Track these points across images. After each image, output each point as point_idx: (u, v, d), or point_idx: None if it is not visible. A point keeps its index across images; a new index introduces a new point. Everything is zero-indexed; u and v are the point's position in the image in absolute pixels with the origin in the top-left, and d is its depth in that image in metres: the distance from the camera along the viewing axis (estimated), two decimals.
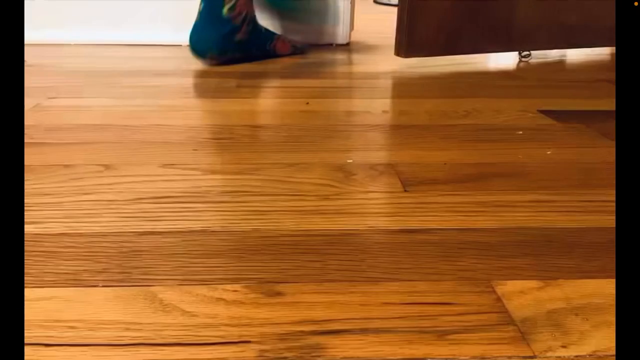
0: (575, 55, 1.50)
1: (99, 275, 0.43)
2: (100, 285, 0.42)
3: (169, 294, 0.41)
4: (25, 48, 1.31)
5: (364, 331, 0.37)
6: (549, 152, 0.72)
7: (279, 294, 0.41)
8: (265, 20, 1.49)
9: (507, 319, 0.38)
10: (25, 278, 0.42)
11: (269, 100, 0.97)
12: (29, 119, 0.83)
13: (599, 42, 1.41)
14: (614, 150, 0.74)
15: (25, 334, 0.36)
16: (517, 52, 1.39)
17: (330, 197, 0.58)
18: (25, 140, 0.73)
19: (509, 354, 0.35)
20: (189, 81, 1.11)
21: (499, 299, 0.41)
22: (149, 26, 1.54)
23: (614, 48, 1.52)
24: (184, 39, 1.58)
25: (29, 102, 0.92)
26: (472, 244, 0.49)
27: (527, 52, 1.39)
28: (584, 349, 0.36)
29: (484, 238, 0.50)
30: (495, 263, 0.46)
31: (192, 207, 0.55)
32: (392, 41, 1.25)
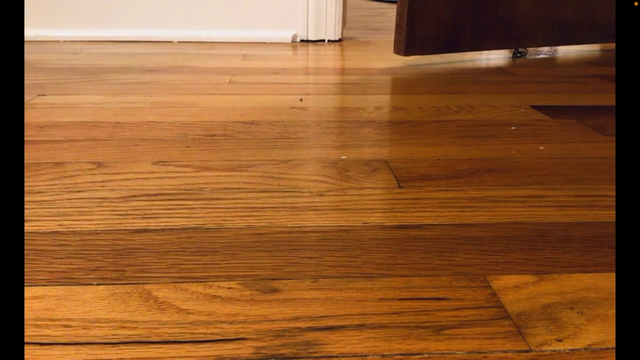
0: (567, 51, 1.50)
1: (92, 273, 0.43)
2: (95, 283, 0.41)
3: (163, 291, 0.41)
4: None
5: (360, 327, 0.37)
6: (541, 148, 0.73)
7: (274, 290, 0.41)
8: None
9: (503, 314, 0.39)
10: None
11: (262, 96, 0.97)
12: None
13: (597, 39, 1.42)
14: (606, 144, 0.74)
15: None
16: (510, 49, 1.39)
17: (324, 193, 0.58)
18: None
19: (505, 348, 0.35)
20: (179, 77, 1.10)
21: (494, 294, 0.41)
22: (138, 23, 1.53)
23: (606, 44, 1.53)
24: (173, 35, 1.58)
25: None
26: (467, 239, 0.49)
27: (523, 49, 1.39)
28: (579, 343, 0.36)
29: (478, 233, 0.50)
30: (490, 258, 0.46)
31: (186, 204, 0.54)
32: (385, 37, 1.25)
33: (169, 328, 0.37)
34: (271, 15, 1.55)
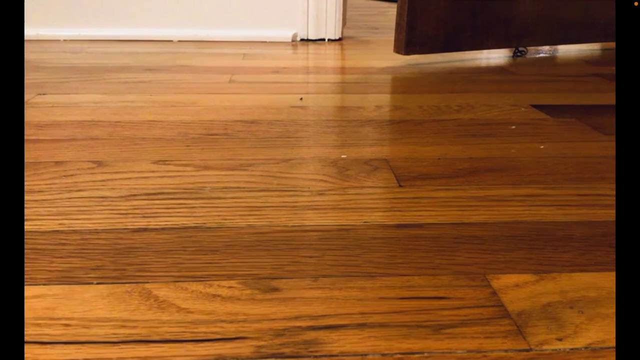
0: (567, 50, 1.50)
1: (93, 272, 0.43)
2: (95, 282, 0.41)
3: (164, 290, 0.41)
4: None
5: (360, 326, 0.37)
6: (542, 147, 0.73)
7: (275, 289, 0.41)
8: None
9: (503, 313, 0.39)
10: None
11: (262, 95, 0.97)
12: None
13: (596, 38, 1.42)
14: (606, 144, 0.74)
15: None
16: (510, 49, 1.40)
17: (324, 192, 0.58)
18: None
19: (505, 347, 0.35)
20: (179, 76, 1.10)
21: (494, 293, 0.41)
22: (138, 21, 1.53)
23: (606, 44, 1.53)
24: (173, 34, 1.58)
25: None
26: (467, 238, 0.49)
27: (523, 49, 1.39)
28: (580, 342, 0.36)
29: (478, 232, 0.50)
30: (490, 257, 0.46)
31: (186, 203, 0.54)
32: (385, 36, 1.24)
33: (170, 327, 0.37)
34: (271, 14, 1.55)
